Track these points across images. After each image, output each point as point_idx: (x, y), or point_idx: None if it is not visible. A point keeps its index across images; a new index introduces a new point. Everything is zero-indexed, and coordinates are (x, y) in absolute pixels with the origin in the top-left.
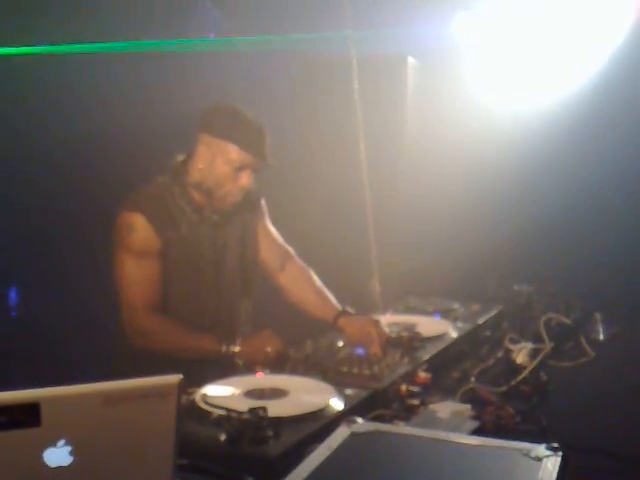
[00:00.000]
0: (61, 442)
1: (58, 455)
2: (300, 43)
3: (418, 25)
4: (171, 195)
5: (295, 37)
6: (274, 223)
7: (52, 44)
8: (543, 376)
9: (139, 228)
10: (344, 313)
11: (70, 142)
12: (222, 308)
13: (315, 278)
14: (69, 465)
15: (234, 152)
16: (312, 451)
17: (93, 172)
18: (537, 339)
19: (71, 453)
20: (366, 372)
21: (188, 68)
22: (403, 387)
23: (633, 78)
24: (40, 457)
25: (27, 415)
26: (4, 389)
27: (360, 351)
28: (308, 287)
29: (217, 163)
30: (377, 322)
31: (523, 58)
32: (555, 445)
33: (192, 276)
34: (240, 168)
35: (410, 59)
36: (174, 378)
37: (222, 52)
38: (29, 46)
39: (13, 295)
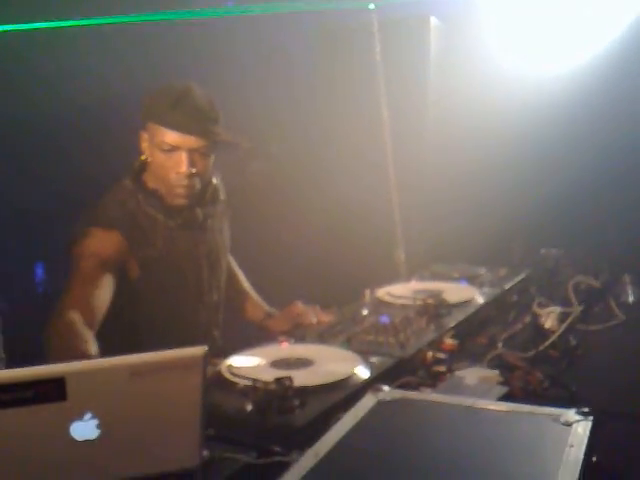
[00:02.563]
0: (88, 416)
1: (85, 429)
2: (318, 6)
3: None
4: (137, 204)
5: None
6: (299, 191)
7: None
8: (572, 340)
9: (114, 246)
10: (270, 314)
11: (88, 111)
12: (212, 320)
13: (243, 276)
14: (96, 438)
15: (167, 135)
16: (338, 420)
17: (97, 151)
18: (565, 303)
19: (98, 426)
20: (392, 340)
21: (196, 36)
22: (429, 354)
23: None
24: (67, 431)
25: (53, 390)
26: (32, 364)
27: (385, 319)
28: (247, 286)
29: (154, 151)
30: (297, 303)
31: (547, 20)
32: (585, 410)
33: (177, 291)
34: (173, 150)
35: (433, 19)
36: (199, 349)
37: (237, 19)
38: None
39: (39, 271)
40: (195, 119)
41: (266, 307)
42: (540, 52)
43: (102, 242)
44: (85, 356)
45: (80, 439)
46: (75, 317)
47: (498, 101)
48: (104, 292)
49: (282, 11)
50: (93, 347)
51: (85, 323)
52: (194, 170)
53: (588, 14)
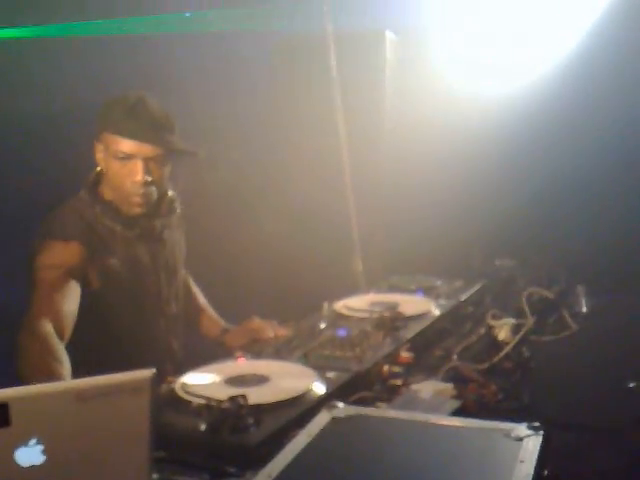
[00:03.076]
0: (33, 441)
1: (30, 454)
2: (276, 20)
3: None
4: (94, 216)
5: (271, 13)
6: (257, 206)
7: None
8: (525, 352)
9: (74, 256)
10: (227, 329)
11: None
12: (172, 332)
13: (198, 290)
14: (42, 464)
15: (122, 143)
16: (293, 438)
17: (54, 160)
18: (519, 314)
19: (43, 452)
20: (348, 354)
21: (159, 49)
22: (385, 368)
23: (608, 53)
24: (11, 457)
25: None
26: None
27: (342, 333)
28: (203, 301)
29: (109, 161)
30: (254, 318)
31: (500, 34)
32: (536, 424)
33: (137, 302)
34: (128, 158)
35: (388, 33)
36: (147, 372)
37: (196, 34)
38: None
39: None
40: (150, 127)
41: (222, 322)
42: (497, 65)
43: (62, 253)
44: (57, 379)
45: (25, 465)
46: (47, 327)
47: (454, 114)
48: (71, 300)
49: (240, 28)
50: (65, 368)
51: (56, 332)
52: (150, 178)
53: (541, 29)
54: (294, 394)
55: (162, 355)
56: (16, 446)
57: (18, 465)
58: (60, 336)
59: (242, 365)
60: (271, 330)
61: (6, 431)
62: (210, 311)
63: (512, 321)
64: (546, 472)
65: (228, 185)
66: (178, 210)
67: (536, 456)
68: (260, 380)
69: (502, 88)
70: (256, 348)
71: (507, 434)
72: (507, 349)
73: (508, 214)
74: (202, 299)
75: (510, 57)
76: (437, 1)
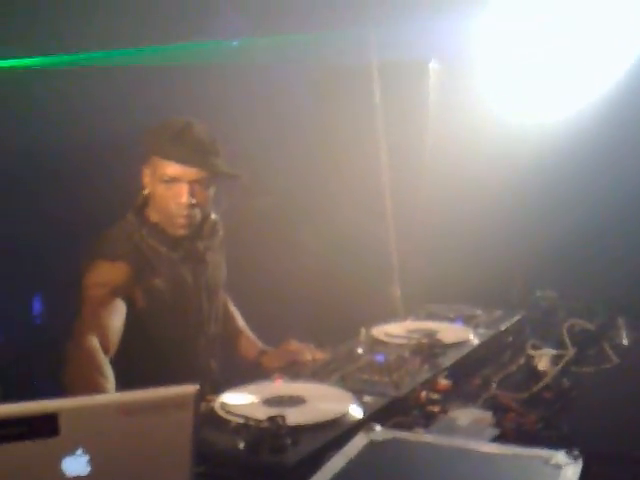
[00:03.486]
0: (79, 451)
1: (76, 465)
2: (321, 49)
3: (441, 29)
4: (141, 237)
5: (315, 43)
6: (299, 231)
7: (45, 55)
8: (565, 382)
9: (121, 276)
10: (265, 352)
11: (78, 150)
12: (210, 352)
13: (238, 313)
14: (87, 475)
15: (168, 167)
16: (330, 459)
17: (102, 185)
18: (560, 345)
19: (89, 463)
20: (386, 379)
21: (208, 78)
22: (423, 394)
23: None
24: (58, 467)
25: (45, 425)
26: (27, 398)
27: (380, 358)
28: (241, 323)
29: (156, 184)
30: (292, 342)
31: (547, 65)
32: (575, 452)
33: (180, 321)
34: (173, 181)
35: (432, 64)
36: (191, 388)
37: (243, 63)
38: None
39: (37, 304)
40: (195, 151)
41: (260, 345)
42: (542, 95)
43: (110, 273)
44: (101, 392)
45: (71, 475)
46: (93, 342)
47: (497, 144)
48: (117, 317)
49: (283, 60)
50: (109, 382)
51: (102, 347)
52: (194, 201)
53: (588, 60)
54: (331, 416)
55: (201, 374)
56: (63, 456)
57: (64, 475)
58: (105, 351)
59: (280, 386)
60: (308, 353)
61: (55, 441)
62: (248, 333)
63: (552, 351)
64: None
65: (271, 210)
66: (220, 233)
67: None
68: (298, 401)
69: (546, 119)
70: (294, 370)
71: (546, 461)
72: (547, 379)
73: (549, 245)
74: (241, 321)
75: (556, 87)
76: (482, 31)
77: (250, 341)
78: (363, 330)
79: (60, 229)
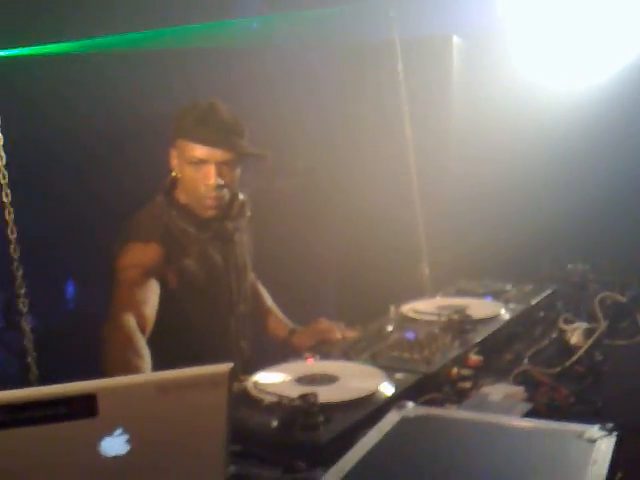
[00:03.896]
0: (118, 432)
1: (115, 445)
2: (342, 26)
3: (463, 3)
4: (171, 218)
5: (336, 19)
6: (326, 210)
7: (58, 42)
8: (598, 356)
9: (154, 257)
10: (294, 331)
11: (106, 136)
12: (241, 332)
13: (266, 293)
14: (125, 454)
15: (196, 149)
16: (363, 437)
17: (131, 168)
18: (591, 319)
19: (128, 442)
20: (417, 356)
21: (231, 60)
22: (454, 370)
23: None
24: (97, 447)
25: (84, 406)
26: (62, 381)
27: (410, 335)
28: (270, 303)
29: (184, 166)
30: (322, 320)
31: (569, 37)
32: (609, 426)
33: (211, 302)
34: (201, 163)
35: (455, 38)
36: (225, 367)
37: (262, 44)
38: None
39: (70, 288)
40: (222, 133)
41: (289, 324)
42: (563, 68)
43: (142, 254)
44: (137, 372)
45: (110, 455)
46: (130, 321)
47: (522, 117)
48: (152, 296)
49: (307, 40)
50: (145, 362)
51: (139, 327)
52: (222, 182)
53: (610, 29)
54: (363, 394)
55: (232, 354)
56: (102, 436)
57: (103, 455)
58: (142, 330)
59: (312, 365)
60: (338, 332)
61: (93, 421)
62: (277, 312)
63: (584, 325)
64: (619, 475)
65: (298, 190)
66: (248, 213)
67: (609, 458)
68: (329, 380)
69: (574, 89)
70: (324, 349)
71: (580, 436)
72: (580, 353)
73: (579, 217)
74: (269, 301)
75: (581, 56)
76: (504, 5)
77: (279, 320)
78: (392, 308)
79: (91, 214)
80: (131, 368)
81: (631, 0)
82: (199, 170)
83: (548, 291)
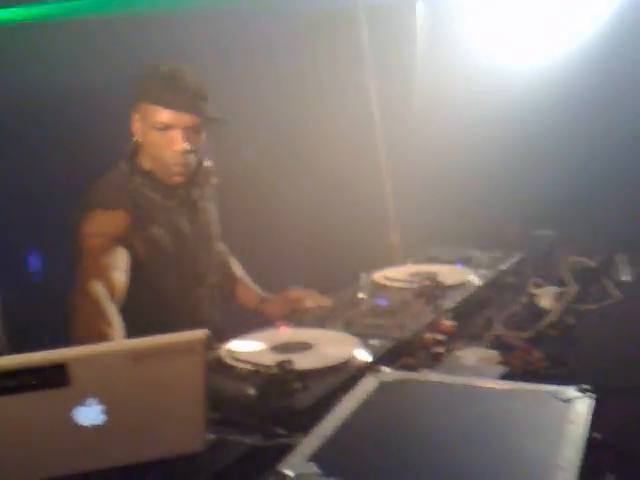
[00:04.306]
0: (91, 401)
1: (89, 414)
2: None
3: None
4: (135, 186)
5: None
6: (293, 179)
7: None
8: (569, 319)
9: (121, 224)
10: (265, 299)
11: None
12: (212, 302)
13: (236, 262)
14: (100, 423)
15: (160, 114)
16: (340, 402)
17: (90, 134)
18: (561, 283)
19: (102, 411)
20: (390, 323)
21: (181, 28)
22: (428, 336)
23: None
24: (70, 416)
25: (55, 375)
26: (33, 350)
27: (382, 302)
28: (239, 272)
29: (148, 131)
30: (293, 288)
31: (537, 6)
32: (585, 386)
33: (180, 271)
34: (167, 128)
35: (419, 5)
36: (201, 333)
37: (214, 12)
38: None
39: (34, 260)
40: (188, 97)
41: (260, 292)
42: (531, 35)
43: (108, 221)
44: (106, 340)
45: (84, 424)
46: (98, 288)
47: (487, 86)
48: (120, 263)
49: (267, 7)
50: (115, 329)
51: (109, 296)
52: (189, 147)
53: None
54: (339, 360)
55: (203, 323)
56: (75, 405)
57: (77, 424)
58: (113, 298)
59: (286, 333)
60: (311, 300)
61: (65, 390)
62: (247, 281)
63: (555, 289)
64: (596, 435)
65: (263, 158)
66: (214, 180)
67: (586, 418)
68: (304, 347)
69: (538, 58)
70: (297, 317)
71: (556, 396)
72: (551, 316)
73: (545, 184)
74: (240, 270)
75: (546, 28)
76: None
77: (250, 289)
78: (364, 275)
79: (51, 181)
80: (101, 336)
81: None
82: (165, 135)
83: (517, 257)
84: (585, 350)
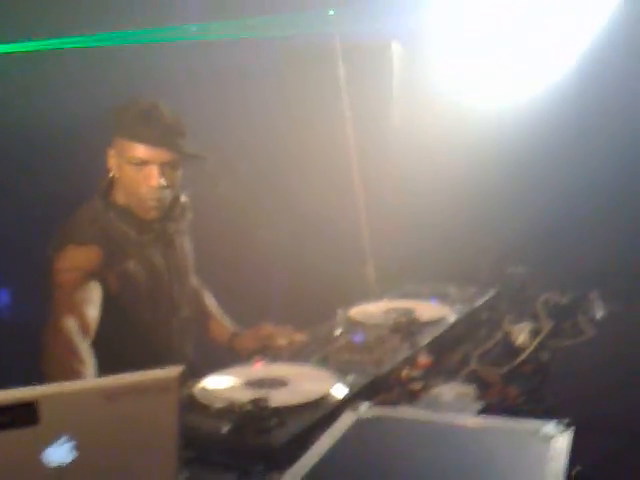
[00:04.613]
0: (61, 440)
1: (59, 453)
2: (283, 29)
3: (403, 10)
4: (109, 221)
5: (277, 22)
6: (270, 214)
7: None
8: (544, 356)
9: (94, 259)
10: (237, 334)
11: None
12: (185, 336)
13: (209, 296)
14: (71, 463)
15: (137, 149)
16: (318, 439)
17: (63, 169)
18: (535, 320)
19: (72, 451)
20: (366, 358)
21: (160, 60)
22: (404, 372)
23: (615, 62)
24: (40, 457)
25: (24, 414)
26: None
27: (359, 338)
28: (211, 306)
29: (123, 166)
30: (265, 325)
31: (513, 42)
32: (564, 421)
33: (154, 306)
34: (143, 164)
35: (395, 45)
36: (174, 370)
37: (201, 43)
38: None
39: (4, 297)
40: (164, 133)
41: (231, 327)
42: (505, 76)
43: (82, 257)
44: (78, 377)
45: (54, 464)
46: (70, 324)
47: (462, 124)
48: (93, 299)
49: (245, 36)
50: (87, 366)
51: (81, 331)
52: (165, 183)
53: (554, 35)
54: (316, 396)
55: (176, 358)
56: (45, 445)
57: (47, 464)
58: (84, 333)
59: (261, 368)
60: (283, 337)
61: (35, 429)
62: (219, 316)
63: (530, 325)
64: (575, 472)
65: (236, 196)
66: (190, 215)
67: (566, 454)
68: (280, 383)
69: (513, 98)
70: (273, 353)
71: (535, 433)
72: (527, 352)
73: (519, 221)
74: (212, 305)
75: (520, 66)
76: (442, 13)
77: (221, 324)
78: (340, 311)
79: (21, 216)
80: (73, 373)
81: (560, 19)
82: (141, 171)
83: (491, 293)
84: (560, 386)
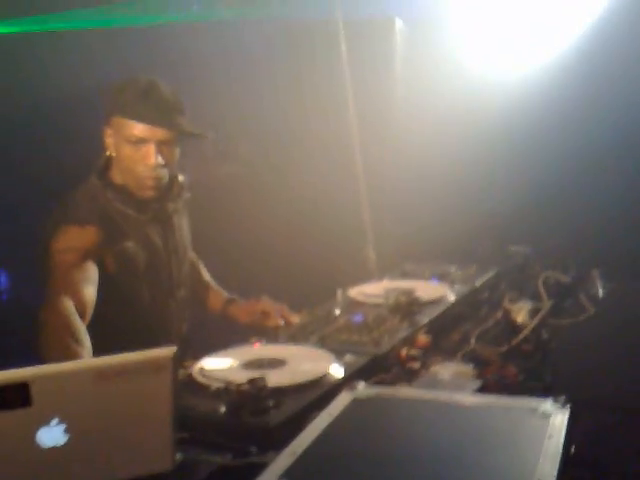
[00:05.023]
0: (55, 421)
1: (52, 435)
2: (281, 7)
3: None
4: (107, 200)
5: (279, 1)
6: (269, 195)
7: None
8: (544, 334)
9: (91, 240)
10: (232, 300)
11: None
12: (182, 316)
13: (204, 269)
14: (64, 444)
15: (135, 127)
16: (314, 419)
17: (60, 148)
18: (535, 298)
19: (65, 432)
20: (365, 338)
21: (164, 39)
22: (403, 351)
23: (624, 34)
24: (33, 437)
25: (17, 395)
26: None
27: (358, 318)
28: (208, 278)
29: (121, 145)
30: (264, 299)
31: (512, 20)
32: (562, 399)
33: (151, 286)
34: (140, 142)
35: (397, 21)
36: (168, 350)
37: (198, 24)
38: None
39: (2, 279)
40: (162, 111)
41: (225, 294)
42: (508, 51)
43: (79, 237)
44: (75, 358)
45: (47, 445)
46: (68, 305)
47: (464, 101)
48: (90, 279)
49: (246, 16)
50: (84, 347)
51: (77, 311)
52: (162, 161)
53: (553, 13)
54: (313, 377)
55: (173, 338)
56: (38, 426)
57: (40, 445)
58: (81, 314)
59: (258, 349)
60: (279, 316)
61: (27, 411)
62: (214, 285)
63: (530, 304)
64: (573, 449)
65: (238, 175)
66: (187, 194)
67: (564, 431)
68: (278, 364)
69: (514, 74)
70: (271, 333)
71: (533, 410)
72: (526, 331)
73: (520, 199)
74: (207, 275)
75: (520, 42)
76: None
77: (217, 292)
78: (340, 291)
79: (18, 197)
80: (69, 354)
81: None
82: (138, 149)
83: (492, 272)
84: (560, 364)
